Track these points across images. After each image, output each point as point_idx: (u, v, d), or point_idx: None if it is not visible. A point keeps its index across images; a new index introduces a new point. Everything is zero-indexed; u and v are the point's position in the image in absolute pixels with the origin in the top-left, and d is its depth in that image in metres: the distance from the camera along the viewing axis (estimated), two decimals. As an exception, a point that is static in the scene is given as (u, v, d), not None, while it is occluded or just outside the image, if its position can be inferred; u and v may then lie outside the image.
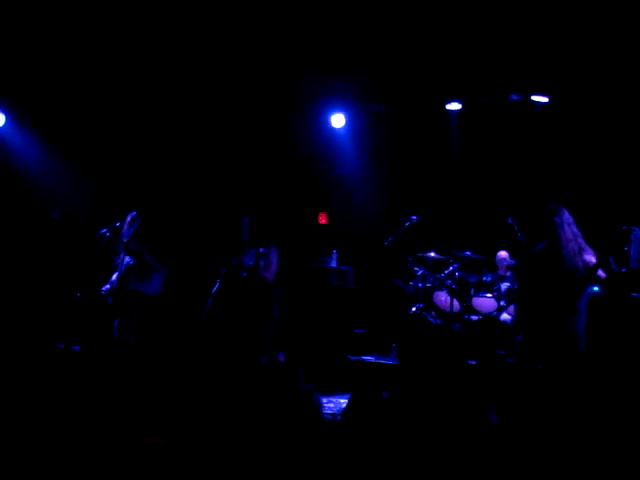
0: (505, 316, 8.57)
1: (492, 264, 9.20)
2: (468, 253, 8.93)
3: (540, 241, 5.76)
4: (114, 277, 7.40)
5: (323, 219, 10.66)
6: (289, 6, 7.66)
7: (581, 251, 5.60)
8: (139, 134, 9.83)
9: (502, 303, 8.67)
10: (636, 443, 3.89)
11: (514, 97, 9.16)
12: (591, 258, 5.58)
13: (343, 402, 6.72)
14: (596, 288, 6.54)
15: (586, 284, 5.51)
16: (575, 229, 5.70)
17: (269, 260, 7.59)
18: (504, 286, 8.84)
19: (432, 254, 9.11)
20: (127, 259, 7.28)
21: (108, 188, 9.50)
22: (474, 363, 8.21)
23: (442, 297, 8.98)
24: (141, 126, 9.82)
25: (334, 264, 9.41)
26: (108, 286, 7.41)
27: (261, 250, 7.58)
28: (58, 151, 9.56)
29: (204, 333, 7.66)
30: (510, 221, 7.84)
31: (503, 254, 9.13)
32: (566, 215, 5.71)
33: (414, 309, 9.08)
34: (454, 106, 9.63)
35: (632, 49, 7.63)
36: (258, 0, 7.49)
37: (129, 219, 7.42)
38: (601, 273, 5.50)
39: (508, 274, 8.97)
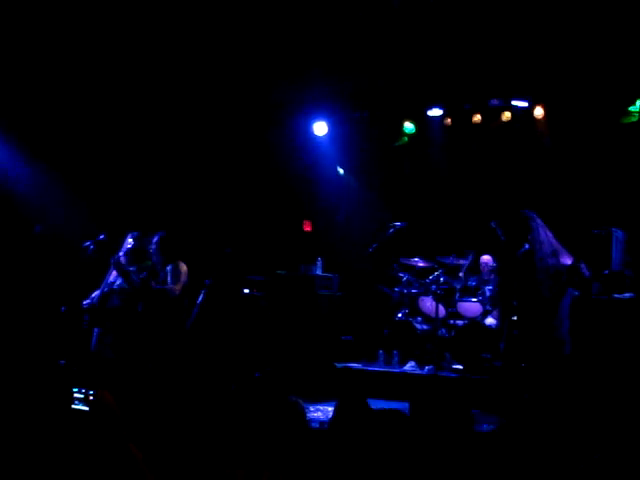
0: (490, 320, 8.60)
1: (476, 268, 9.23)
2: (452, 258, 8.96)
3: (521, 245, 5.80)
4: (96, 293, 7.32)
5: (307, 226, 10.66)
6: (268, 13, 7.71)
7: (555, 253, 5.65)
8: (121, 145, 9.78)
9: (487, 307, 8.70)
10: (622, 441, 3.91)
11: (494, 102, 9.23)
12: (566, 260, 5.63)
13: (330, 410, 6.71)
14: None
15: (566, 286, 5.55)
16: (548, 232, 5.75)
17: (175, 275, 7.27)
18: (488, 290, 8.87)
19: (417, 260, 9.13)
20: (113, 278, 7.19)
21: (93, 202, 9.44)
22: (460, 367, 8.26)
23: (427, 302, 8.99)
24: (123, 137, 9.77)
25: (319, 272, 9.40)
26: (88, 301, 7.31)
27: (168, 267, 7.35)
28: (42, 165, 9.49)
29: (188, 344, 7.63)
30: (493, 225, 7.91)
31: (486, 258, 9.17)
32: (538, 219, 5.77)
33: (400, 315, 9.10)
34: (435, 112, 9.69)
35: (607, 55, 7.75)
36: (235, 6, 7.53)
37: (130, 239, 7.26)
38: (585, 271, 5.54)
39: (492, 278, 9.00)
